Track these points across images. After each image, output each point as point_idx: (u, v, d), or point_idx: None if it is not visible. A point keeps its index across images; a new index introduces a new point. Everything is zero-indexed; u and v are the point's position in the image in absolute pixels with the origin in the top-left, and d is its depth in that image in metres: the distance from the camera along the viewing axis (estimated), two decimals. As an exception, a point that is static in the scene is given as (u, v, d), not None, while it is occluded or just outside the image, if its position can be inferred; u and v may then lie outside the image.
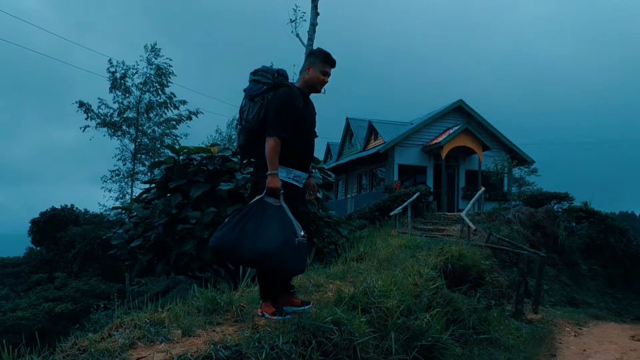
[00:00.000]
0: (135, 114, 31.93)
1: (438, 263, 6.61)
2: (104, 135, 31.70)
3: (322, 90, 3.93)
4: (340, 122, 28.37)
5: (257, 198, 3.53)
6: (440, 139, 21.65)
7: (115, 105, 31.30)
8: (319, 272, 5.44)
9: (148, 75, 31.87)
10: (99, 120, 31.01)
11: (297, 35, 12.98)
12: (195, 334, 3.27)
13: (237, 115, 4.02)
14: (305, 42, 12.63)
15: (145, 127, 32.32)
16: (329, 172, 10.17)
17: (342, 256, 6.69)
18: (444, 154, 21.25)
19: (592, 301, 16.62)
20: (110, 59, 30.80)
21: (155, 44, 31.90)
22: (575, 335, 9.78)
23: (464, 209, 18.10)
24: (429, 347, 4.33)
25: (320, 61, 3.85)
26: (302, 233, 3.50)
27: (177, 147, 10.11)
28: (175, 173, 9.82)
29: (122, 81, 31.40)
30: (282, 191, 3.53)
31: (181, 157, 9.78)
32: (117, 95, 31.40)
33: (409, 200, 15.03)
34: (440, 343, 4.42)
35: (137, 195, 10.89)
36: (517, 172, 61.35)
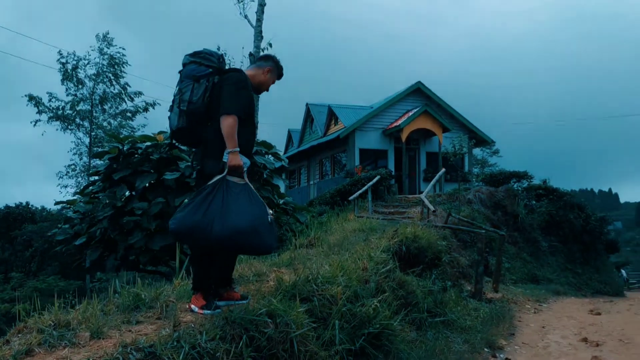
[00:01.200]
0: (89, 107, 30.83)
1: (391, 245, 6.38)
2: (57, 130, 30.51)
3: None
4: (301, 108, 27.98)
5: (218, 177, 3.39)
6: (400, 121, 21.51)
7: (68, 98, 30.12)
8: (262, 260, 5.13)
9: (100, 65, 30.76)
10: (50, 114, 29.81)
11: (246, 16, 12.53)
12: (107, 335, 2.92)
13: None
14: (254, 23, 12.21)
15: (100, 120, 31.26)
16: (281, 157, 9.83)
17: (292, 242, 6.39)
18: (404, 136, 21.12)
19: (552, 277, 16.83)
20: (59, 50, 29.53)
21: (108, 33, 30.74)
22: (535, 312, 9.78)
23: (432, 191, 18.07)
24: (376, 334, 4.08)
25: (277, 74, 4.02)
26: (271, 211, 3.45)
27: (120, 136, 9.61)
28: (121, 163, 9.36)
29: (74, 72, 30.22)
30: (245, 168, 3.47)
31: (126, 147, 9.31)
32: (69, 88, 30.21)
33: (368, 184, 14.82)
34: (388, 329, 4.17)
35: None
36: (479, 153, 62.32)
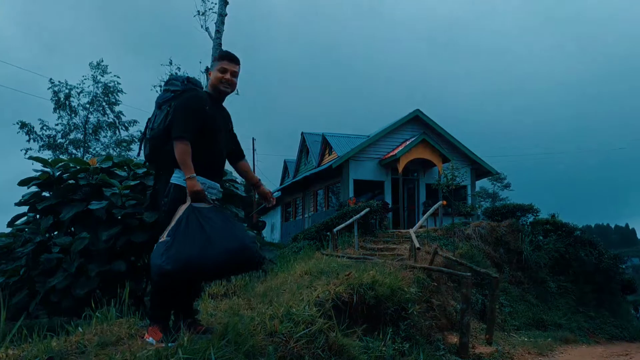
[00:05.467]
0: (82, 135, 30.03)
1: (339, 294, 4.98)
2: (49, 159, 29.66)
3: (231, 90, 3.68)
4: (298, 138, 26.83)
5: (184, 208, 3.25)
6: (396, 151, 20.21)
7: (59, 127, 29.37)
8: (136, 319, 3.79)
9: (95, 94, 30.06)
10: (42, 142, 29.03)
11: (207, 29, 11.41)
12: None
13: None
14: (213, 34, 11.07)
15: (92, 149, 30.41)
16: (236, 184, 8.54)
17: (205, 291, 5.04)
18: (400, 167, 19.79)
19: (562, 322, 15.14)
20: (50, 78, 28.95)
21: (102, 61, 30.17)
22: (534, 370, 8.25)
23: (426, 225, 16.64)
24: None
25: (217, 60, 3.70)
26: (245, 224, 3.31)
27: (49, 159, 8.38)
28: (54, 191, 8.15)
29: (67, 101, 29.52)
30: (215, 191, 3.52)
31: (57, 172, 8.09)
32: (62, 116, 29.49)
33: (354, 217, 13.45)
34: None
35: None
36: (489, 186, 60.82)
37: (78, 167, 8.16)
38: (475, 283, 12.96)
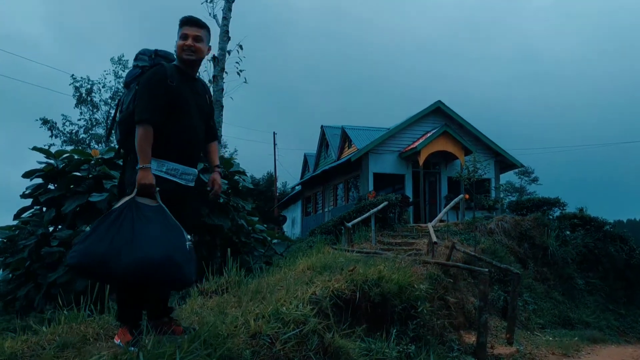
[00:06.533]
0: (103, 130, 30.21)
1: (330, 292, 4.61)
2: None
3: (196, 57, 3.25)
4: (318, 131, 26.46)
5: (126, 199, 2.91)
6: (416, 144, 19.68)
7: (81, 122, 29.59)
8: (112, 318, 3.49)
9: (116, 89, 30.20)
10: (64, 138, 29.29)
11: (215, 16, 11.05)
12: None
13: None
14: (220, 22, 10.71)
15: (114, 144, 30.56)
16: (243, 174, 8.24)
17: (197, 289, 4.72)
18: (421, 160, 19.27)
19: (590, 320, 14.45)
20: (72, 74, 29.15)
21: (123, 56, 30.30)
22: (558, 373, 7.76)
23: (447, 219, 16.12)
24: None
25: (179, 27, 3.28)
26: (189, 237, 2.97)
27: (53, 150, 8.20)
28: (58, 183, 7.97)
29: (89, 96, 29.72)
30: (157, 188, 2.96)
31: (60, 164, 7.90)
32: (83, 112, 29.71)
33: (371, 211, 13.03)
34: None
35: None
36: (516, 180, 59.54)
37: (82, 159, 7.98)
38: (498, 279, 12.45)
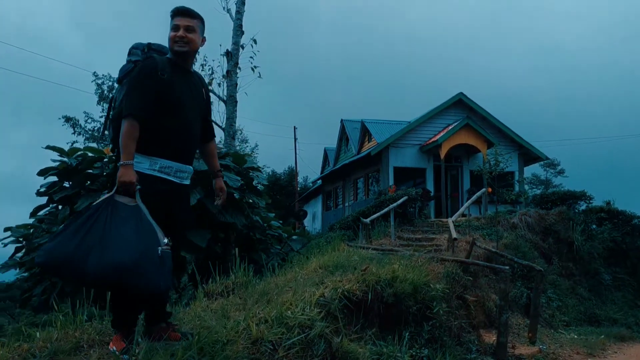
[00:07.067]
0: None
1: (339, 294, 4.45)
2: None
3: (189, 48, 3.12)
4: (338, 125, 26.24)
5: (104, 197, 2.80)
6: (438, 137, 19.34)
7: (103, 119, 29.86)
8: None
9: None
10: (87, 135, 29.62)
11: (228, 10, 10.90)
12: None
13: None
14: (234, 15, 10.54)
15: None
16: (257, 171, 8.12)
17: (201, 290, 4.60)
18: (443, 153, 18.94)
19: (617, 317, 14.02)
20: (94, 72, 29.43)
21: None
22: (584, 373, 7.48)
23: (469, 214, 15.81)
24: None
25: (170, 19, 3.15)
26: (166, 241, 2.75)
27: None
28: (73, 181, 7.97)
29: (111, 93, 29.96)
30: (138, 186, 2.80)
31: (74, 162, 7.89)
32: (104, 109, 29.97)
33: (390, 206, 12.83)
34: None
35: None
36: (542, 173, 58.45)
37: (95, 157, 7.96)
38: (521, 275, 12.13)
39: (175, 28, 3.10)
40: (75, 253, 2.58)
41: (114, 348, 2.88)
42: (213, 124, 3.69)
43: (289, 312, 3.61)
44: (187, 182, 3.20)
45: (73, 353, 2.84)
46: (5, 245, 7.90)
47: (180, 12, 3.13)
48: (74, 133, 29.18)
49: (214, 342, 2.98)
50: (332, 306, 4.11)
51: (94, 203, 2.79)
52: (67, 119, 29.05)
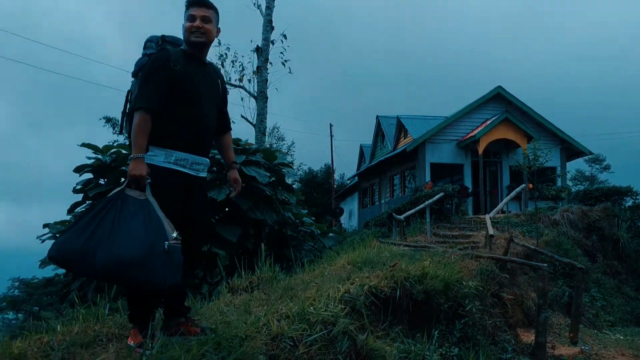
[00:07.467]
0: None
1: (365, 290, 4.34)
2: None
3: (205, 39, 3.06)
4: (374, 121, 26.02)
5: (115, 190, 2.76)
6: (475, 132, 18.91)
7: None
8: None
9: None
10: (126, 134, 30.29)
11: (259, 6, 10.84)
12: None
13: None
14: (264, 11, 10.50)
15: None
16: (289, 167, 8.05)
17: (224, 285, 4.55)
18: (481, 148, 18.51)
19: (667, 317, 13.46)
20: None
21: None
22: (629, 377, 7.15)
23: (508, 211, 15.42)
24: None
25: (185, 10, 3.10)
26: (175, 235, 2.68)
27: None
28: (108, 178, 8.09)
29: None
30: (148, 180, 2.76)
31: (108, 159, 8.00)
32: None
33: (426, 203, 12.61)
34: None
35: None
36: (586, 169, 56.62)
37: (128, 154, 8.05)
38: (563, 273, 11.74)
39: (191, 18, 3.05)
40: (85, 247, 2.57)
41: (132, 342, 2.84)
42: (230, 116, 3.61)
43: (312, 308, 3.52)
44: (204, 174, 3.14)
45: (91, 346, 2.82)
46: (43, 241, 8.06)
47: (196, 3, 3.08)
48: (114, 133, 29.87)
49: (232, 337, 2.92)
50: (357, 302, 4.01)
51: (106, 196, 2.77)
52: (108, 120, 29.76)
